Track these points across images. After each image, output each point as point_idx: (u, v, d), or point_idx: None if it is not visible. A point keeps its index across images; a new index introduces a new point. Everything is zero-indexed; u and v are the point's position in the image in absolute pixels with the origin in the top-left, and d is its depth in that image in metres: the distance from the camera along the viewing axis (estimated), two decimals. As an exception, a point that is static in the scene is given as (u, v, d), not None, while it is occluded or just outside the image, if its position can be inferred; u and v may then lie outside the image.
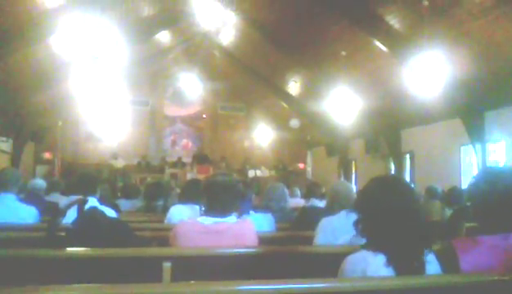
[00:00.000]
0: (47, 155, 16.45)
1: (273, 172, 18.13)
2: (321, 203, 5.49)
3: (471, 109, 10.23)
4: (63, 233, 2.67)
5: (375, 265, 1.79)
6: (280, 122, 19.02)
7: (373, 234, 1.89)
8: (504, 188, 1.90)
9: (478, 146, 10.29)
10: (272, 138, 19.76)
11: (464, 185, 6.99)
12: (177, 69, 18.76)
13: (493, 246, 1.87)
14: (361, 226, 1.94)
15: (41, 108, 14.08)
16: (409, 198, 1.91)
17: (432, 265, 1.85)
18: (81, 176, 3.97)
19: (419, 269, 1.80)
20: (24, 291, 1.50)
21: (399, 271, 1.77)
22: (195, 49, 17.80)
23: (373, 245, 1.85)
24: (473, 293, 1.81)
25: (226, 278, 1.69)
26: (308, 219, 3.91)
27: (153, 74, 18.78)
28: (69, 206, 2.81)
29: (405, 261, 1.79)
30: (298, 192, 8.74)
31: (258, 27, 13.56)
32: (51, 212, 3.23)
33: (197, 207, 4.03)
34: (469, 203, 2.50)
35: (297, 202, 7.79)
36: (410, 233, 1.83)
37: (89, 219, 2.68)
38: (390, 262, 1.78)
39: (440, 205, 6.18)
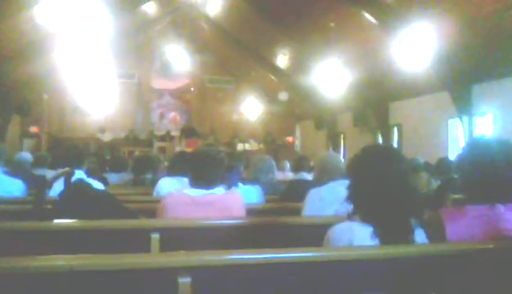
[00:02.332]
0: (33, 129, 16.24)
1: (262, 145, 18.11)
2: (310, 176, 5.50)
3: (458, 82, 10.24)
4: (50, 206, 2.66)
5: (361, 235, 1.79)
6: (269, 95, 18.94)
7: (362, 203, 1.88)
8: (490, 159, 1.92)
9: (466, 119, 10.35)
10: (261, 111, 19.71)
11: (452, 158, 7.05)
12: (164, 41, 18.54)
13: (479, 215, 1.90)
14: (350, 193, 1.93)
15: (26, 80, 13.84)
16: (399, 167, 1.88)
17: (418, 236, 1.85)
18: (67, 149, 3.95)
19: (407, 239, 1.80)
20: (11, 262, 1.49)
21: (385, 243, 1.78)
22: (182, 21, 17.54)
23: (360, 215, 1.85)
24: (458, 262, 1.82)
25: (214, 249, 1.69)
26: (296, 192, 3.93)
27: (139, 46, 18.51)
28: (55, 178, 2.80)
29: (391, 233, 1.79)
30: (288, 165, 8.76)
31: (246, -2, 13.39)
32: (37, 185, 3.20)
33: (185, 179, 4.01)
34: (456, 175, 2.51)
35: (286, 175, 7.82)
36: (400, 202, 1.81)
37: (76, 191, 2.67)
38: (376, 234, 1.78)
39: (426, 177, 6.23)
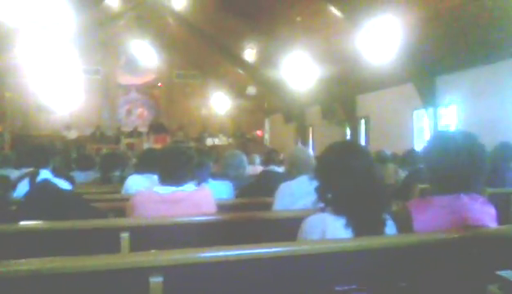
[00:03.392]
0: (-4, 128, 15.83)
1: (231, 140, 18.12)
2: (280, 169, 5.51)
3: (423, 74, 10.45)
4: (14, 207, 2.59)
5: (334, 226, 1.82)
6: (238, 89, 18.92)
7: (333, 198, 1.91)
8: (455, 151, 1.96)
9: (430, 110, 10.58)
10: (230, 106, 19.70)
11: (417, 148, 7.20)
12: (130, 37, 18.28)
13: (445, 206, 1.95)
14: (321, 191, 1.96)
15: (-14, 78, 13.46)
16: (367, 161, 1.94)
17: (389, 227, 1.90)
18: (32, 148, 3.83)
19: (378, 230, 1.85)
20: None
21: (358, 233, 1.82)
22: (148, 15, 17.32)
23: (333, 209, 1.88)
24: (425, 252, 1.86)
25: (186, 247, 1.68)
26: (266, 183, 3.93)
27: (104, 42, 18.19)
28: (19, 179, 2.72)
29: (364, 224, 1.83)
30: (258, 159, 8.75)
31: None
32: (1, 186, 3.11)
33: (154, 176, 3.96)
34: (422, 166, 2.56)
35: (256, 169, 7.82)
36: (369, 195, 1.86)
37: (41, 191, 2.60)
38: (349, 224, 1.81)
39: (394, 168, 6.34)
